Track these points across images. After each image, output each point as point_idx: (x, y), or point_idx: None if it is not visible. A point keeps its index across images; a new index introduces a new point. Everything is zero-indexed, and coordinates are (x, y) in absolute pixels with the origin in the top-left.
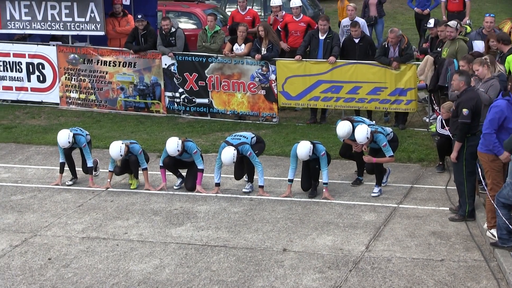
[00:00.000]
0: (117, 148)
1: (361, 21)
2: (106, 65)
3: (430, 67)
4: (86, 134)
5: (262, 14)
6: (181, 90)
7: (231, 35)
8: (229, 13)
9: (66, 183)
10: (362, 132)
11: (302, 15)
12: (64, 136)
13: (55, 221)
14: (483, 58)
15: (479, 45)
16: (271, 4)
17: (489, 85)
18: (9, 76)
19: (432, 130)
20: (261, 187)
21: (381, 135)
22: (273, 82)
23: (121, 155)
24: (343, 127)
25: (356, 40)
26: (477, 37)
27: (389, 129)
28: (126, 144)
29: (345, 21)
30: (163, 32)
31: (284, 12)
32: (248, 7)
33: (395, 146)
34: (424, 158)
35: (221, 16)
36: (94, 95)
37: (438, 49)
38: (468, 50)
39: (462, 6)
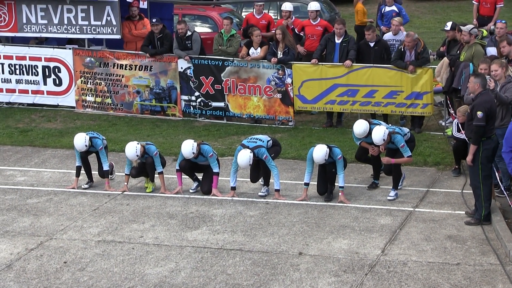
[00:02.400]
0: (132, 149)
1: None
2: (122, 68)
3: (446, 69)
4: (103, 139)
5: (278, 18)
6: (197, 93)
7: (244, 37)
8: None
9: (82, 187)
10: (380, 133)
11: (319, 19)
12: (81, 140)
13: (70, 224)
14: (502, 60)
15: (492, 52)
16: (282, 9)
17: (506, 88)
18: (25, 80)
19: (448, 134)
20: (277, 190)
21: (399, 136)
22: (289, 85)
23: (137, 155)
24: (360, 125)
25: (371, 44)
26: (490, 44)
27: (406, 129)
28: (141, 145)
29: (388, 35)
30: (179, 35)
31: (294, 18)
32: (264, 11)
33: (412, 146)
34: (440, 162)
35: (237, 19)
36: (110, 98)
37: (457, 52)
38: (483, 55)
39: (493, 11)
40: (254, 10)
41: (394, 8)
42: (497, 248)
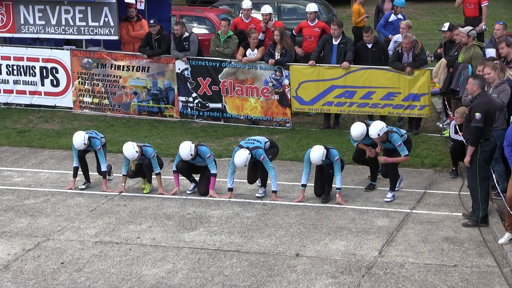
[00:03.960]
0: (131, 148)
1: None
2: (120, 69)
3: (443, 69)
4: (101, 137)
5: (276, 19)
6: (194, 94)
7: None
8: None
9: (79, 187)
10: (377, 127)
11: (317, 20)
12: (80, 138)
13: (68, 225)
14: (494, 62)
15: (491, 53)
16: (261, 12)
17: (500, 90)
18: (22, 80)
19: (446, 136)
20: (274, 192)
21: (396, 135)
22: (286, 87)
23: (136, 152)
24: (357, 128)
25: (369, 45)
26: (489, 45)
27: (403, 130)
28: (138, 146)
29: (397, 37)
30: (176, 36)
31: (274, 21)
32: (252, 16)
33: (408, 148)
34: (437, 164)
35: None
36: (108, 99)
37: (455, 53)
38: (482, 57)
39: (478, 11)
40: (242, 14)
41: (400, 16)
42: (494, 250)
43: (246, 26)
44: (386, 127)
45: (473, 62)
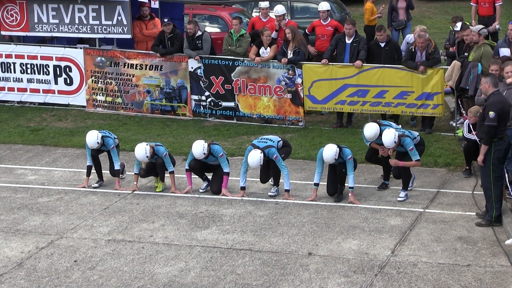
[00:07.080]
0: (142, 150)
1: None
2: (133, 68)
3: (458, 72)
4: (114, 138)
5: (289, 18)
6: (207, 93)
7: (251, 41)
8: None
9: (92, 185)
10: (390, 136)
11: (329, 19)
12: (93, 137)
13: (81, 223)
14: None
15: (505, 53)
16: (274, 14)
17: None
18: (36, 79)
19: (459, 135)
20: (287, 191)
21: (408, 139)
22: (299, 86)
23: (147, 157)
24: (370, 129)
25: (382, 44)
26: (503, 45)
27: (415, 133)
28: (151, 146)
29: (410, 37)
30: (189, 35)
31: (287, 20)
32: (270, 15)
33: (421, 149)
34: (450, 163)
35: (247, 19)
36: (121, 98)
37: (465, 53)
38: (494, 56)
39: (493, 10)
40: (260, 13)
41: None
42: (508, 250)
43: (264, 25)
44: (397, 130)
45: (483, 61)
